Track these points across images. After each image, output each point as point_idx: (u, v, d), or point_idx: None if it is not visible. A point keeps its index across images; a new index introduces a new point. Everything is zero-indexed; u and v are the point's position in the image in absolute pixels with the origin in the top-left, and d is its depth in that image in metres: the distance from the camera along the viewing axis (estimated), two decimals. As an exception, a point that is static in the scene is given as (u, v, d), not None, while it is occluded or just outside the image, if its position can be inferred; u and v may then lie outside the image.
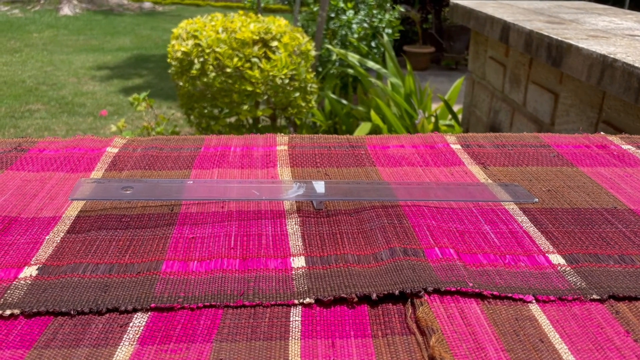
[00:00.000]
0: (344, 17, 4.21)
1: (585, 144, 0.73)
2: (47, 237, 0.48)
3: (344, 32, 4.20)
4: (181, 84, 2.89)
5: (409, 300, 0.40)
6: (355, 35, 4.16)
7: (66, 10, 7.76)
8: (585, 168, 0.65)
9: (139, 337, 0.36)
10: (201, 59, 2.77)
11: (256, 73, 2.73)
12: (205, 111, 2.92)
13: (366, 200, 0.55)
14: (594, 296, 0.41)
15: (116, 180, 0.53)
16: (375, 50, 4.31)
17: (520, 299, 0.41)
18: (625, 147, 0.72)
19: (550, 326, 0.38)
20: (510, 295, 0.41)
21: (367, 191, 0.56)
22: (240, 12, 3.09)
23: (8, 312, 0.38)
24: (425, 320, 0.37)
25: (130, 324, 0.38)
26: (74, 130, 3.48)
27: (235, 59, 2.73)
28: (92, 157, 0.66)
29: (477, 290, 0.41)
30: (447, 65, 5.48)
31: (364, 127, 2.73)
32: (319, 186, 0.56)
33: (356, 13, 4.32)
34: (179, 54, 2.82)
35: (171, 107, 3.84)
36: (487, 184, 0.60)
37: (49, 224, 0.50)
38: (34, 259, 0.45)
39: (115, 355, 0.35)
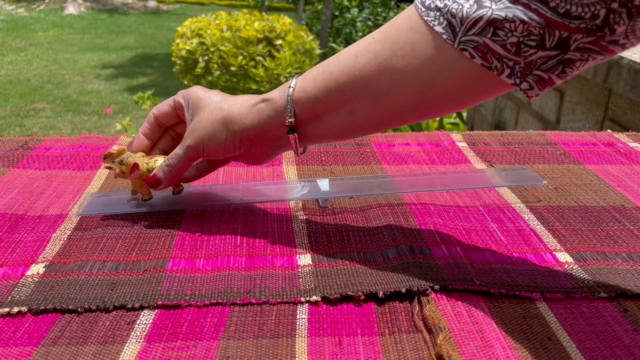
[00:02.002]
0: (349, 16, 4.21)
1: (592, 142, 0.72)
2: (53, 234, 0.48)
3: (348, 30, 4.20)
4: (186, 82, 2.89)
5: (416, 298, 0.40)
6: (360, 34, 4.16)
7: (71, 9, 7.78)
8: (592, 166, 0.65)
9: (146, 335, 0.37)
10: (205, 58, 2.77)
11: (260, 71, 2.73)
12: (210, 110, 2.93)
13: (370, 195, 0.55)
14: (602, 294, 0.41)
15: (122, 192, 0.54)
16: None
17: (528, 297, 0.41)
18: (633, 144, 0.72)
19: (558, 324, 0.38)
20: (517, 293, 0.41)
21: (371, 185, 0.56)
22: (245, 10, 3.10)
23: (16, 309, 0.38)
24: (432, 318, 0.37)
25: (137, 322, 0.38)
26: (79, 128, 3.49)
27: (240, 58, 2.73)
28: (98, 155, 0.66)
29: (484, 288, 0.41)
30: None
31: (368, 126, 2.73)
32: (323, 184, 0.56)
33: (360, 11, 4.32)
34: (183, 53, 2.82)
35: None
36: (494, 169, 0.60)
37: (55, 221, 0.51)
38: (41, 256, 0.45)
39: (122, 353, 0.35)
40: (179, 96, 0.50)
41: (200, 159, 0.50)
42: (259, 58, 2.77)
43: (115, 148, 0.50)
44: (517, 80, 0.37)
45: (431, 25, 0.37)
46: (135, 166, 0.49)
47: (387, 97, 0.41)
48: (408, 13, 0.40)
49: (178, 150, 0.48)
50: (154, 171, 0.49)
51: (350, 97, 0.42)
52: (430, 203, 0.55)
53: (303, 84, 0.43)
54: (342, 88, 0.42)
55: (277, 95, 0.44)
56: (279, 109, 0.44)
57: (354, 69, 0.41)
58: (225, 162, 0.52)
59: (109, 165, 0.49)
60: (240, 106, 0.46)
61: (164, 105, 0.51)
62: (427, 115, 0.42)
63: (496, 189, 0.58)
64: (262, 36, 2.81)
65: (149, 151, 0.52)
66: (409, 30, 0.39)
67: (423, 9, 0.38)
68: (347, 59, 0.41)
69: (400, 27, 0.39)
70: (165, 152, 0.53)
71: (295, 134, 0.45)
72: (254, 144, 0.47)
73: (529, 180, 0.57)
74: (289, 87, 0.44)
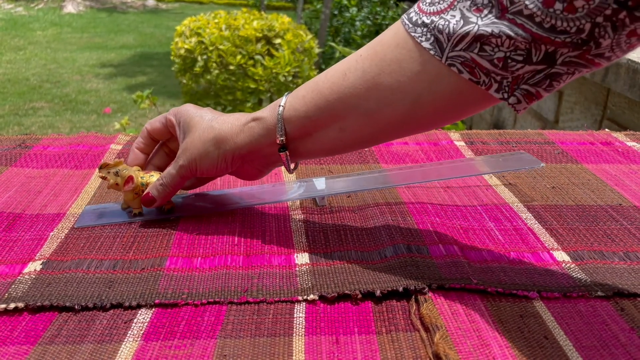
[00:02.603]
0: (348, 15, 4.21)
1: (589, 141, 0.72)
2: (51, 233, 0.48)
3: (347, 29, 4.20)
4: (184, 81, 2.89)
5: (413, 297, 0.40)
6: (359, 33, 4.16)
7: (70, 8, 7.77)
8: (589, 165, 0.65)
9: (143, 333, 0.37)
10: (204, 57, 2.77)
11: (259, 70, 2.73)
12: (209, 109, 2.92)
13: (367, 190, 0.55)
14: (599, 293, 0.41)
15: (119, 202, 0.54)
16: (378, 48, 4.30)
17: (525, 296, 0.41)
18: (630, 144, 0.72)
19: (555, 323, 0.38)
20: (514, 291, 0.41)
21: (367, 181, 0.56)
22: (244, 9, 3.09)
23: (12, 305, 0.38)
24: (429, 317, 0.37)
25: (135, 320, 0.38)
26: (78, 127, 3.48)
27: (239, 56, 2.73)
28: (96, 154, 0.66)
29: (481, 287, 0.41)
30: (450, 62, 5.47)
31: (367, 125, 2.72)
32: (320, 183, 0.56)
33: (359, 10, 4.32)
34: (182, 52, 2.82)
35: (175, 105, 3.84)
36: (492, 156, 0.60)
37: (53, 220, 0.51)
38: (38, 254, 0.45)
39: (119, 351, 0.35)
40: (171, 114, 0.50)
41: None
42: (257, 57, 2.77)
43: (112, 159, 0.50)
44: (505, 95, 0.37)
45: (418, 41, 0.38)
46: (130, 179, 0.49)
47: (376, 114, 0.41)
48: (395, 29, 0.40)
49: (171, 170, 0.49)
50: (148, 189, 0.50)
51: (340, 115, 0.42)
52: (428, 202, 0.55)
53: (293, 102, 0.44)
54: (332, 106, 0.42)
55: (268, 114, 0.45)
56: (270, 127, 0.45)
57: (342, 86, 0.41)
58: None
59: (103, 175, 0.49)
60: (231, 125, 0.46)
61: (156, 122, 0.51)
62: (417, 129, 0.43)
63: (494, 187, 0.58)
64: (261, 35, 2.81)
65: (143, 165, 0.53)
66: (396, 47, 0.39)
67: (410, 25, 0.38)
68: (336, 77, 0.42)
69: (388, 44, 0.40)
70: (160, 168, 0.53)
71: (287, 152, 0.45)
72: (246, 161, 0.47)
73: (528, 163, 0.57)
74: (279, 105, 0.44)
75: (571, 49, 0.34)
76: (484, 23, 0.35)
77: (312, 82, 0.44)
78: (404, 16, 0.39)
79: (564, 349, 0.35)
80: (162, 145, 0.53)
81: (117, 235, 0.48)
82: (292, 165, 0.47)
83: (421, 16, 0.38)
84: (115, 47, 5.82)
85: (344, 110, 0.42)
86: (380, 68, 0.39)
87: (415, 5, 0.39)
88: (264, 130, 0.45)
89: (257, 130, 0.45)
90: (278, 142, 0.45)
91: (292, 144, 0.45)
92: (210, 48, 2.76)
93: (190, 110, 0.49)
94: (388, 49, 0.39)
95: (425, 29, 0.37)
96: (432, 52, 0.37)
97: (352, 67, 0.41)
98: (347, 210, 0.53)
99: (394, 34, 0.40)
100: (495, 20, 0.34)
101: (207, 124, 0.47)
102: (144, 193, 0.50)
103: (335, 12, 4.22)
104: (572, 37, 0.33)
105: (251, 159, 0.47)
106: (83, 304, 0.39)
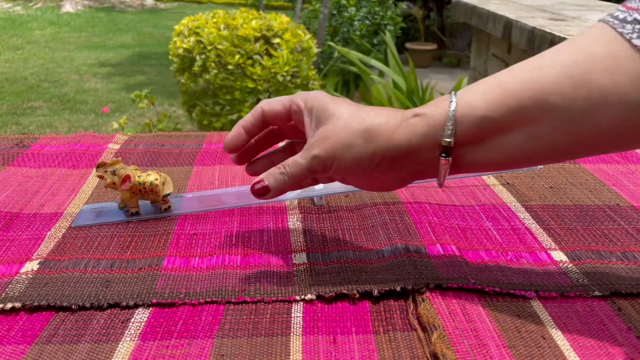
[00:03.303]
0: (346, 14, 4.21)
1: (587, 141, 0.72)
2: (48, 232, 0.48)
3: (345, 29, 4.20)
4: (183, 80, 2.89)
5: (411, 296, 0.40)
6: (357, 32, 4.16)
7: (68, 7, 7.76)
8: (587, 165, 0.65)
9: (140, 333, 0.36)
10: (203, 56, 2.77)
11: (258, 70, 2.73)
12: (207, 108, 2.92)
13: (364, 190, 0.55)
14: (596, 293, 0.41)
15: (117, 202, 0.53)
16: (377, 47, 4.30)
17: (522, 296, 0.41)
18: (628, 144, 0.72)
19: (552, 323, 0.38)
20: (512, 291, 0.41)
21: None
22: (242, 8, 3.09)
23: (9, 305, 0.38)
24: (426, 317, 0.37)
25: (132, 320, 0.38)
26: (76, 127, 3.48)
27: (237, 56, 2.73)
28: (93, 154, 0.66)
29: (479, 286, 0.41)
30: (449, 62, 5.47)
31: (365, 125, 2.72)
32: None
33: (358, 10, 4.32)
34: (180, 51, 2.82)
35: (173, 104, 3.83)
36: None
37: (50, 220, 0.50)
38: (35, 254, 0.45)
39: (116, 351, 0.35)
40: (298, 98, 0.43)
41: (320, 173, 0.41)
42: (256, 56, 2.77)
43: (109, 159, 0.50)
44: None
45: (628, 37, 0.33)
46: (127, 178, 0.49)
47: (581, 120, 0.34)
48: (598, 27, 0.35)
49: (299, 159, 0.41)
50: (262, 176, 0.42)
51: (532, 117, 0.35)
52: (425, 201, 0.55)
53: (468, 99, 0.36)
54: (524, 105, 0.35)
55: (432, 109, 0.37)
56: (436, 124, 0.37)
57: (539, 82, 0.34)
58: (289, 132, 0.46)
59: (100, 174, 0.49)
60: (387, 118, 0.39)
61: (276, 103, 0.44)
62: (628, 145, 0.36)
63: (491, 187, 0.58)
64: (259, 34, 2.81)
65: (243, 147, 0.45)
66: (608, 43, 0.33)
67: (617, 22, 0.34)
68: (528, 72, 0.36)
69: (594, 39, 0.34)
70: (274, 164, 0.44)
71: (450, 159, 0.37)
72: (394, 166, 0.39)
73: None
74: (449, 101, 0.37)
75: None
76: None
77: (490, 78, 0.37)
78: (607, 16, 0.35)
79: (561, 349, 0.35)
80: (290, 145, 0.47)
81: (115, 234, 0.48)
82: (443, 179, 0.39)
83: (631, 13, 0.33)
84: (113, 46, 5.81)
85: (538, 112, 0.35)
86: (590, 64, 0.33)
87: (621, 5, 0.35)
88: (428, 129, 0.37)
89: (420, 128, 0.37)
90: (444, 144, 0.37)
91: (459, 149, 0.37)
92: (209, 47, 2.76)
93: (325, 97, 0.42)
94: (597, 44, 0.34)
95: (637, 26, 0.33)
96: None
97: (548, 61, 0.35)
98: (345, 210, 0.53)
99: (598, 31, 0.35)
100: None
101: (353, 113, 0.40)
102: (255, 181, 0.42)
103: (334, 12, 4.23)
104: None
105: (401, 164, 0.39)
106: (80, 304, 0.39)
